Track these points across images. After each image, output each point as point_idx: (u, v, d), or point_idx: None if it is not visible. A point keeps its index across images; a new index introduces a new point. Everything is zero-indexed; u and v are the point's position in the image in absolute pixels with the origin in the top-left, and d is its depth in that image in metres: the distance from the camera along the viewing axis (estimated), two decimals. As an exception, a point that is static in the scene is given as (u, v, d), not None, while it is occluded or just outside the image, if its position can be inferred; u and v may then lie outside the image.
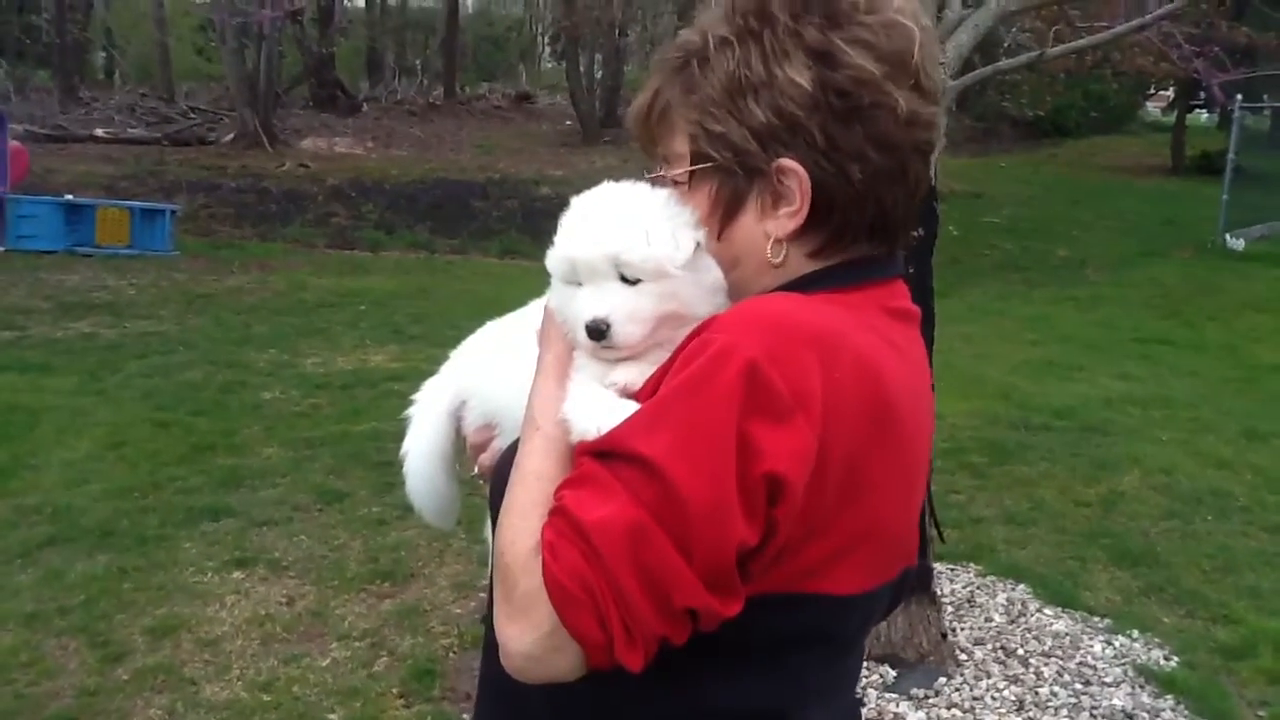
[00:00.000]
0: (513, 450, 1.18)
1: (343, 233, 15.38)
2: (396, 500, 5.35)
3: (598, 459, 1.04)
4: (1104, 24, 4.69)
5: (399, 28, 32.04)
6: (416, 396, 1.54)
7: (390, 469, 5.73)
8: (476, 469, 1.43)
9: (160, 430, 6.36)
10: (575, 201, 1.22)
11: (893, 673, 3.80)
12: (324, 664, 3.88)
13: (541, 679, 1.05)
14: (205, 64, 27.88)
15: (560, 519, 1.02)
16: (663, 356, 1.11)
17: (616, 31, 24.96)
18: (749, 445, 0.99)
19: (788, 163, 1.13)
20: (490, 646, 1.19)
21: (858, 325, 1.10)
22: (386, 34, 30.77)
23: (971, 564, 4.84)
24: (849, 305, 1.13)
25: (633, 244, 1.14)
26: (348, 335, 9.17)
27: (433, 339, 8.48)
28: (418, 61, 32.17)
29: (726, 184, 1.17)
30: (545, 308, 1.25)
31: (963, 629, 4.19)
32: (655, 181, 1.24)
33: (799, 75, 1.12)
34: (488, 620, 1.16)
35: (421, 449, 1.49)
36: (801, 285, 1.16)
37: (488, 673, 1.32)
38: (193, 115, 23.10)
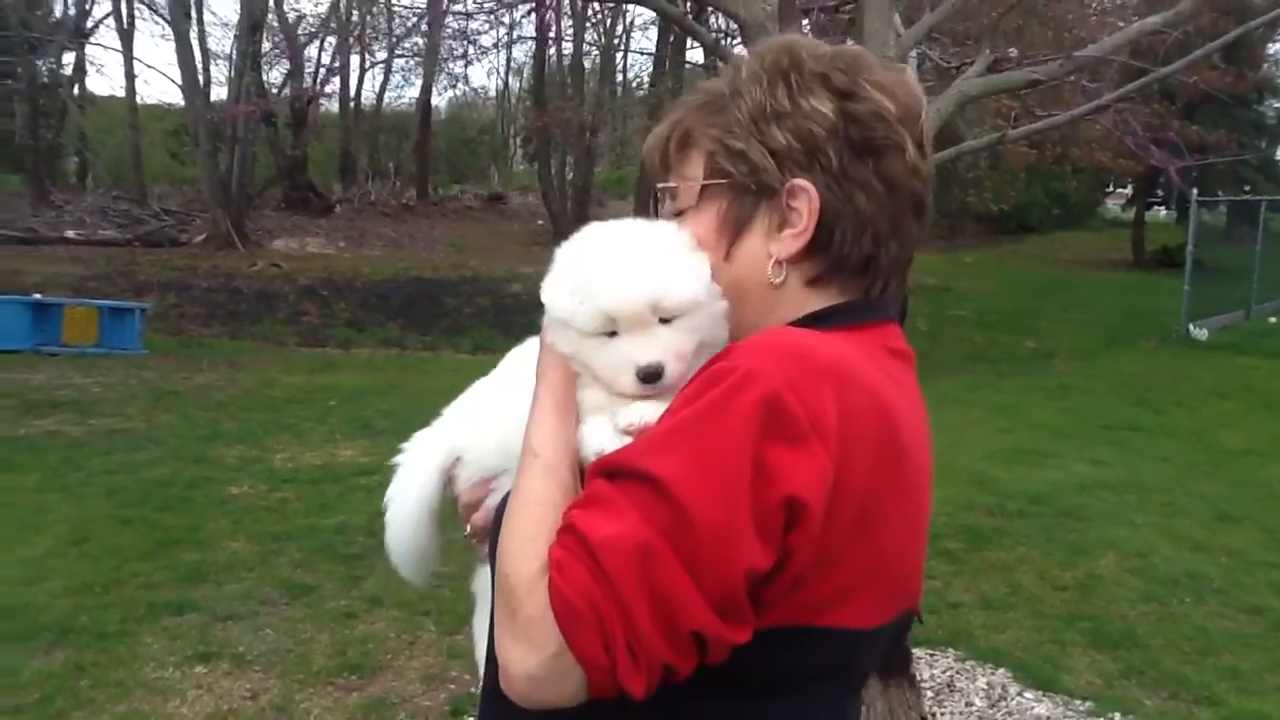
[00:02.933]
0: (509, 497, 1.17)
1: (314, 331, 15.37)
2: (365, 593, 5.26)
3: (609, 479, 1.03)
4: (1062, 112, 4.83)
5: (372, 131, 32.48)
6: (406, 446, 1.51)
7: (359, 562, 5.65)
8: (468, 528, 1.41)
9: (123, 526, 6.23)
10: (573, 249, 1.23)
11: (874, 759, 3.71)
12: (288, 760, 3.75)
13: (543, 703, 1.02)
14: (177, 167, 28.13)
15: (569, 537, 1.01)
16: (674, 393, 1.12)
17: (587, 133, 25.41)
18: (766, 469, 0.98)
19: (800, 182, 1.17)
20: (489, 680, 1.16)
21: (866, 362, 1.12)
22: (360, 137, 31.17)
23: (950, 648, 4.77)
24: (855, 343, 1.15)
25: (670, 286, 1.16)
26: (317, 430, 9.08)
27: (403, 433, 8.28)
28: (391, 164, 32.58)
29: (736, 203, 1.20)
30: (541, 342, 1.25)
31: (944, 714, 4.12)
32: (662, 197, 1.28)
33: (823, 105, 1.18)
34: (489, 649, 1.13)
35: (408, 499, 1.47)
36: (806, 324, 1.17)
37: (487, 700, 1.28)
38: (164, 217, 23.20)
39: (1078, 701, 4.30)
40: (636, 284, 1.16)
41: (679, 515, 0.97)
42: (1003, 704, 4.23)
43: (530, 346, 1.38)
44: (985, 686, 4.38)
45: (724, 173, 1.20)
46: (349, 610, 5.06)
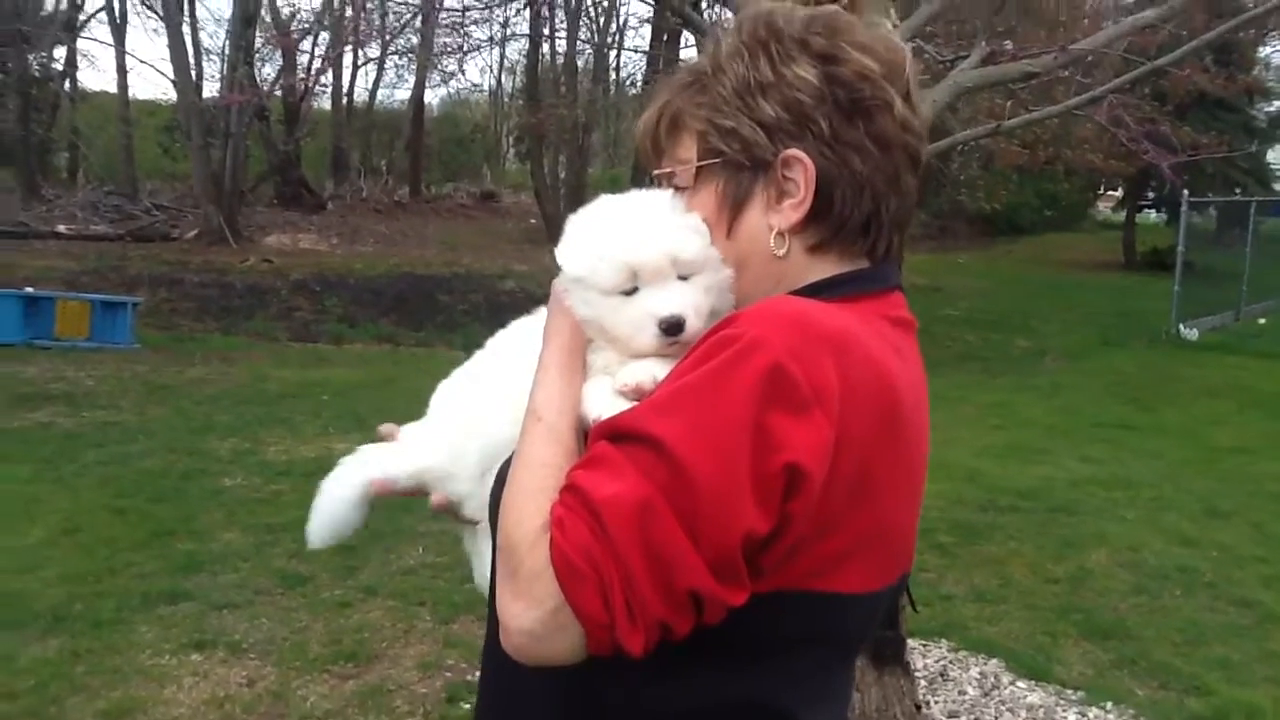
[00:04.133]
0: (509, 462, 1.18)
1: (306, 326, 15.34)
2: (360, 583, 5.27)
3: (611, 441, 1.04)
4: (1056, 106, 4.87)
5: (365, 128, 32.39)
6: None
7: (353, 553, 5.66)
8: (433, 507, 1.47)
9: (117, 517, 6.23)
10: (587, 215, 1.26)
11: (868, 746, 3.73)
12: (285, 745, 3.76)
13: (541, 660, 1.03)
14: (169, 162, 27.98)
15: (571, 495, 1.03)
16: (675, 359, 1.14)
17: (580, 131, 25.40)
18: (767, 435, 1.00)
19: (794, 152, 1.18)
20: (491, 652, 1.18)
21: (867, 331, 1.13)
22: (353, 134, 31.10)
23: (943, 639, 4.80)
24: (857, 312, 1.16)
25: (685, 240, 1.19)
26: (310, 425, 9.07)
27: (397, 427, 8.40)
28: (383, 161, 32.51)
29: (732, 180, 1.21)
30: (549, 308, 1.27)
31: (937, 702, 4.14)
32: (659, 183, 1.28)
33: (806, 72, 1.18)
34: (490, 623, 1.15)
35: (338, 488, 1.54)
36: (809, 293, 1.18)
37: (488, 674, 1.31)
38: (156, 212, 23.08)
39: (1070, 691, 4.34)
40: (656, 236, 1.19)
41: (680, 477, 0.99)
42: (995, 693, 4.26)
43: (511, 331, 1.44)
44: (978, 676, 4.40)
45: (717, 151, 1.21)
46: (344, 600, 5.07)
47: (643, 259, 1.18)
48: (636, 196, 1.26)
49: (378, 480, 1.50)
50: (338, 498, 1.52)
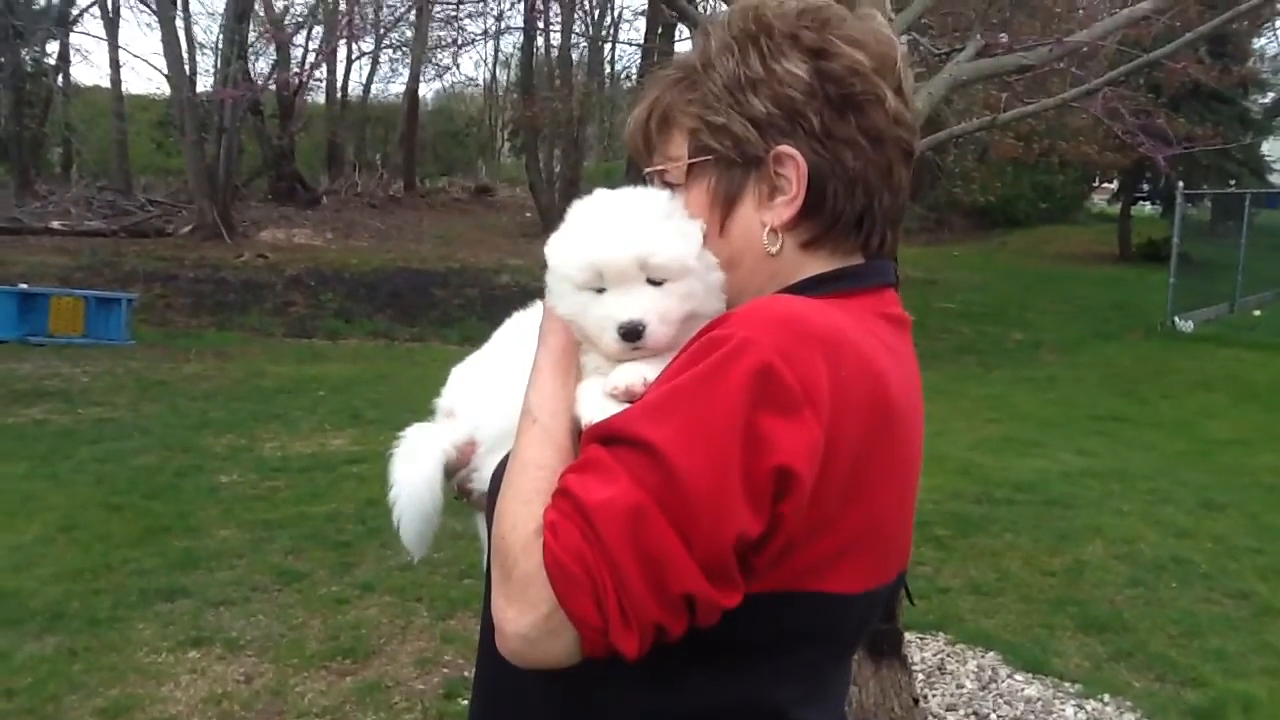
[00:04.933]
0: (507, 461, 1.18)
1: (301, 322, 15.31)
2: (357, 579, 5.27)
3: (603, 445, 1.04)
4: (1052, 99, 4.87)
5: (359, 122, 32.32)
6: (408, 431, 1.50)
7: (350, 549, 5.66)
8: (455, 488, 1.43)
9: (113, 514, 6.22)
10: (578, 207, 1.24)
11: (866, 740, 3.74)
12: (282, 742, 3.76)
13: (536, 663, 1.03)
14: (163, 158, 27.96)
15: (563, 500, 1.03)
16: (666, 359, 1.13)
17: (575, 124, 25.37)
18: (759, 437, 0.99)
19: (785, 149, 1.17)
20: (486, 653, 1.18)
21: (859, 329, 1.13)
22: (347, 129, 31.03)
23: (940, 632, 4.80)
24: (849, 310, 1.15)
25: (659, 244, 1.16)
26: (306, 420, 9.06)
27: (392, 423, 8.25)
28: (378, 156, 32.46)
29: (724, 177, 1.20)
30: (544, 306, 1.26)
31: (935, 695, 4.15)
32: (651, 181, 1.26)
33: (796, 67, 1.17)
34: (485, 622, 1.14)
35: (415, 473, 1.44)
36: (801, 290, 1.18)
37: (483, 675, 1.30)
38: (150, 208, 23.03)
39: (1067, 684, 4.35)
40: (624, 239, 1.17)
41: (671, 480, 0.98)
42: (993, 686, 4.27)
43: (528, 314, 1.41)
44: (976, 669, 4.41)
45: (708, 149, 1.20)
46: (341, 596, 5.07)
47: (606, 259, 1.17)
48: (631, 194, 1.24)
49: (456, 445, 1.42)
50: (419, 480, 1.42)
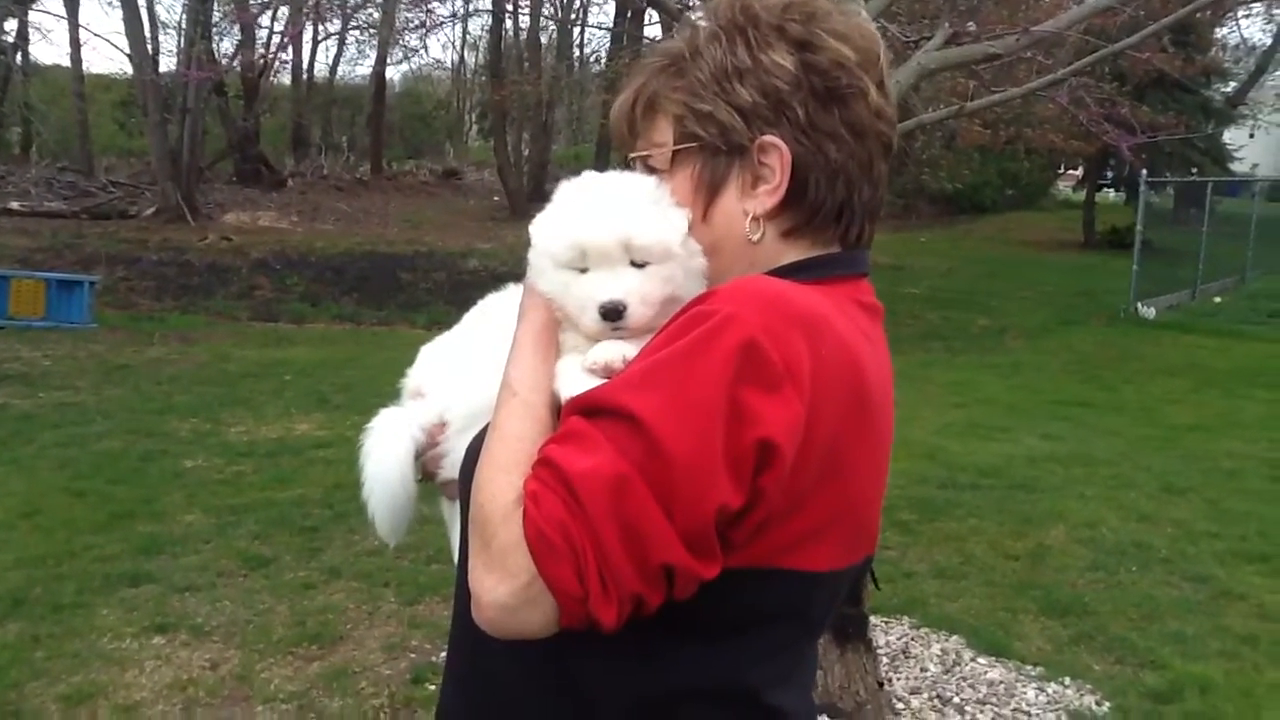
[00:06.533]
0: (483, 436, 1.18)
1: (267, 305, 15.16)
2: (324, 564, 5.25)
3: (585, 416, 1.05)
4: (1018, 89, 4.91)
5: (325, 104, 32.04)
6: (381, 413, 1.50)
7: (317, 534, 5.63)
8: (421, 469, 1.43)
9: (76, 499, 6.16)
10: (565, 186, 1.26)
11: (830, 722, 3.77)
12: (249, 728, 3.74)
13: (513, 633, 1.04)
14: (126, 138, 27.61)
15: (545, 469, 1.03)
16: (645, 340, 1.14)
17: (544, 108, 25.26)
18: (741, 411, 1.01)
19: (770, 138, 1.19)
20: (458, 637, 1.18)
21: (838, 313, 1.15)
22: (313, 110, 30.75)
23: (905, 616, 4.85)
24: (828, 294, 1.17)
25: (643, 226, 1.18)
26: (272, 404, 8.99)
27: (359, 407, 8.33)
28: (344, 138, 32.20)
29: (708, 165, 1.22)
30: (525, 283, 1.27)
31: (899, 679, 4.19)
32: (634, 166, 1.28)
33: (783, 59, 1.19)
34: (457, 606, 1.15)
35: (386, 456, 1.44)
36: (782, 275, 1.19)
37: (455, 659, 1.31)
38: (112, 189, 22.74)
39: (1029, 666, 4.40)
40: (610, 220, 1.19)
41: (654, 451, 1.00)
42: (956, 669, 4.31)
43: (500, 296, 1.42)
44: (939, 652, 4.46)
45: (693, 136, 1.22)
46: (308, 581, 5.05)
47: (590, 239, 1.19)
48: (619, 177, 1.26)
49: (424, 428, 1.42)
50: (391, 469, 1.41)
